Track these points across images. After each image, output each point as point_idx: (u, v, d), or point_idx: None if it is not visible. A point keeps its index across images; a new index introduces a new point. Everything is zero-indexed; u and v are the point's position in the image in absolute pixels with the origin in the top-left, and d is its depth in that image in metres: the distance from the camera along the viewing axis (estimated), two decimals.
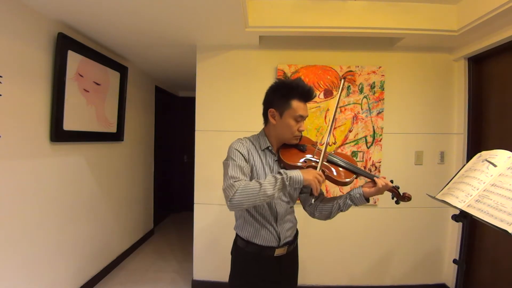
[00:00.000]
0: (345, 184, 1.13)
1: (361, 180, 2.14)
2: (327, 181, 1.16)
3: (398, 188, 1.13)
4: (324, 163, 1.15)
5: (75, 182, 2.18)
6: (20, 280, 1.69)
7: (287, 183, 0.99)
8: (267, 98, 1.17)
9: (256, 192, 0.96)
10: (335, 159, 1.18)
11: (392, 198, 1.15)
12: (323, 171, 1.13)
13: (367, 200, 1.11)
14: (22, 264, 1.70)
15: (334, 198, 1.20)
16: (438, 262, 2.40)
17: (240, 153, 1.10)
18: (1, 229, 1.56)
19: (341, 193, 2.27)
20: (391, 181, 1.12)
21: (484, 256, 2.10)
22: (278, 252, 1.17)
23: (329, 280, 2.39)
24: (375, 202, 2.36)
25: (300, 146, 1.18)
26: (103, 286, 2.44)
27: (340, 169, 1.16)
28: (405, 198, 1.12)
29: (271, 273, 1.17)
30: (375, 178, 1.10)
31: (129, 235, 3.11)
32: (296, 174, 1.00)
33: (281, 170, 1.02)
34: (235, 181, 1.00)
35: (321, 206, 1.21)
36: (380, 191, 1.09)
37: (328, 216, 1.20)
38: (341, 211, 1.16)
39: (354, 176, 1.14)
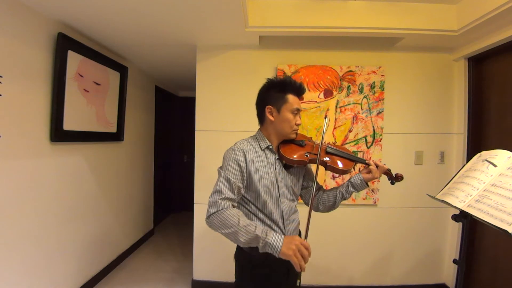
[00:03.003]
0: (347, 172, 1.21)
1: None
2: (328, 172, 1.20)
3: (390, 170, 1.26)
4: (326, 158, 1.20)
5: (75, 182, 2.18)
6: (20, 280, 1.69)
7: (260, 245, 0.94)
8: (261, 97, 1.20)
9: (231, 225, 0.94)
10: (333, 150, 1.22)
11: (389, 180, 1.27)
12: (325, 162, 1.18)
13: (367, 184, 1.20)
14: (22, 264, 1.70)
15: (335, 188, 1.26)
16: (438, 262, 2.40)
17: (236, 161, 1.09)
18: (1, 229, 1.56)
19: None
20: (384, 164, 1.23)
21: (484, 256, 2.10)
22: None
23: (329, 280, 2.39)
24: (375, 202, 2.36)
25: (299, 141, 1.20)
26: (103, 286, 2.44)
27: (341, 159, 1.21)
28: (398, 178, 1.24)
29: (279, 276, 1.16)
30: (372, 163, 1.20)
31: (129, 235, 3.11)
32: (276, 242, 0.92)
33: (266, 230, 0.95)
34: (220, 199, 1.00)
35: (324, 197, 1.26)
36: (377, 174, 1.19)
37: (333, 206, 1.26)
38: (344, 199, 1.23)
39: (354, 164, 1.22)
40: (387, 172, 1.24)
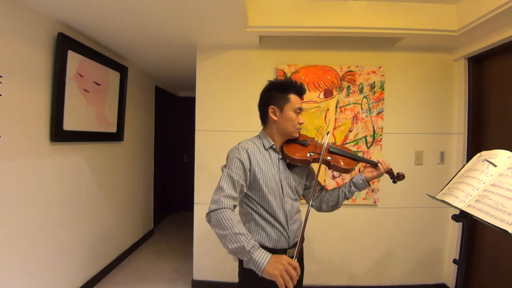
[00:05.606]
0: (349, 171, 1.25)
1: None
2: (328, 172, 1.19)
3: (392, 169, 1.29)
4: (329, 157, 1.23)
5: (75, 182, 2.18)
6: (20, 280, 1.69)
7: (245, 258, 0.90)
8: (264, 98, 1.23)
9: (225, 227, 0.94)
10: (336, 150, 1.25)
11: (391, 179, 1.30)
12: (329, 162, 1.21)
13: (369, 184, 1.25)
14: (22, 264, 1.70)
15: (337, 188, 1.28)
16: (438, 262, 2.40)
17: (240, 160, 1.11)
18: (1, 229, 1.56)
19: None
20: None
21: (484, 256, 2.09)
22: (289, 253, 1.16)
23: (329, 280, 2.39)
24: (375, 202, 2.35)
25: (302, 141, 1.23)
26: (103, 286, 2.44)
27: (344, 158, 1.25)
28: (400, 176, 1.28)
29: None
30: (377, 163, 1.24)
31: (129, 235, 3.11)
32: (261, 260, 0.86)
33: (256, 245, 0.91)
34: (223, 196, 1.01)
35: (327, 197, 1.29)
36: (381, 174, 1.23)
37: (335, 206, 1.29)
38: (347, 198, 1.26)
39: (356, 163, 1.25)
40: (389, 171, 1.27)
